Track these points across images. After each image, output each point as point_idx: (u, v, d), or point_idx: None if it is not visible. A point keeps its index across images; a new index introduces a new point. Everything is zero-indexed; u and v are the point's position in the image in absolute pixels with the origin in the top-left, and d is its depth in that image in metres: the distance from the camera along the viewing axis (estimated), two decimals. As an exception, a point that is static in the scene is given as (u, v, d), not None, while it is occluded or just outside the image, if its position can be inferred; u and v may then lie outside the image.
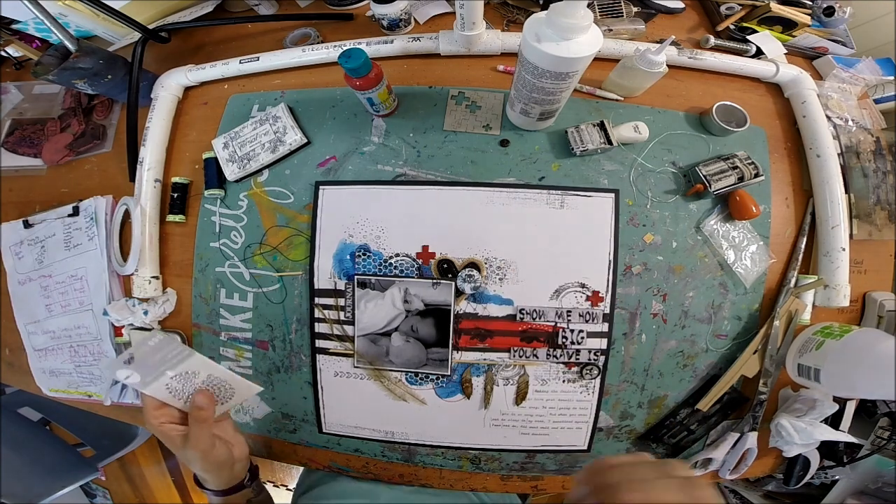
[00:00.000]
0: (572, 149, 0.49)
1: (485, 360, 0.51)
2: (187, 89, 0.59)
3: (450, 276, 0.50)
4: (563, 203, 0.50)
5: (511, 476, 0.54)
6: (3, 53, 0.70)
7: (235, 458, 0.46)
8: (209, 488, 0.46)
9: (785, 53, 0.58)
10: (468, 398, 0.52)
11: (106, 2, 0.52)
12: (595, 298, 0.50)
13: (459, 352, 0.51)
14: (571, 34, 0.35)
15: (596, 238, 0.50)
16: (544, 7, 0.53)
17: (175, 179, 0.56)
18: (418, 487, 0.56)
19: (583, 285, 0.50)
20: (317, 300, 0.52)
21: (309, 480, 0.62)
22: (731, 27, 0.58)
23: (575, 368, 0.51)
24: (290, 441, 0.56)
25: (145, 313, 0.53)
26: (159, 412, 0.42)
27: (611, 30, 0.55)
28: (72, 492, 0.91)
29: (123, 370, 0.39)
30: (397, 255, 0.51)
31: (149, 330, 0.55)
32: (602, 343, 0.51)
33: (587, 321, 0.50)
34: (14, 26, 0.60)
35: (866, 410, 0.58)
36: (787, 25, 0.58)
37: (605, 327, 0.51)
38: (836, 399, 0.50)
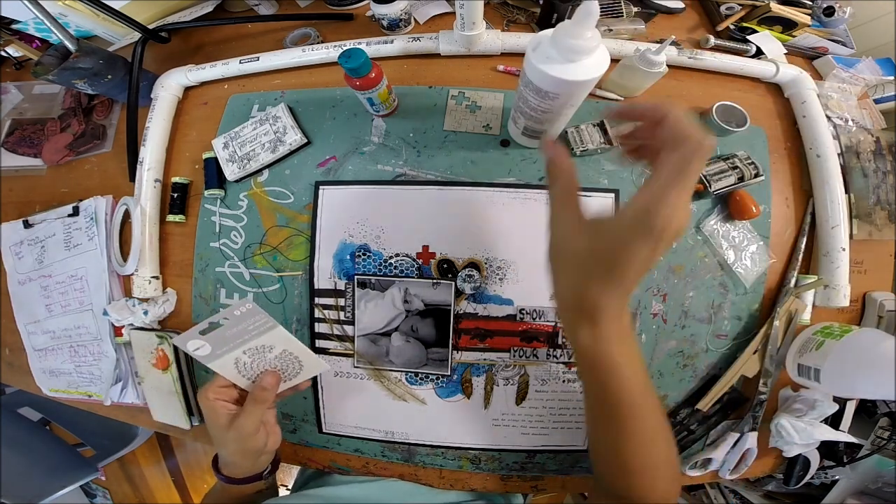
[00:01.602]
0: (572, 149, 0.49)
1: (485, 360, 0.51)
2: (187, 89, 0.59)
3: (450, 276, 0.50)
4: (563, 203, 0.50)
5: (511, 476, 0.54)
6: (3, 53, 0.70)
7: (267, 449, 0.45)
8: (227, 474, 0.45)
9: (785, 53, 0.58)
10: (468, 398, 0.52)
11: (106, 2, 0.52)
12: (595, 298, 0.50)
13: (459, 352, 0.51)
14: (577, 56, 0.33)
15: (596, 238, 0.50)
16: (544, 8, 0.53)
17: (175, 179, 0.56)
18: (414, 485, 0.56)
19: (583, 285, 0.50)
20: (317, 300, 0.52)
21: (303, 479, 0.62)
22: (731, 27, 0.58)
23: (575, 368, 0.51)
24: (290, 441, 0.56)
25: (145, 313, 0.53)
26: (222, 389, 0.42)
27: (611, 30, 0.55)
28: (72, 492, 0.91)
29: (195, 340, 0.38)
30: (397, 255, 0.51)
31: (150, 330, 0.55)
32: (602, 343, 0.51)
33: (587, 321, 0.50)
34: (14, 26, 0.60)
35: (866, 410, 0.58)
36: (787, 25, 0.58)
37: (605, 327, 0.50)
38: (836, 399, 0.50)
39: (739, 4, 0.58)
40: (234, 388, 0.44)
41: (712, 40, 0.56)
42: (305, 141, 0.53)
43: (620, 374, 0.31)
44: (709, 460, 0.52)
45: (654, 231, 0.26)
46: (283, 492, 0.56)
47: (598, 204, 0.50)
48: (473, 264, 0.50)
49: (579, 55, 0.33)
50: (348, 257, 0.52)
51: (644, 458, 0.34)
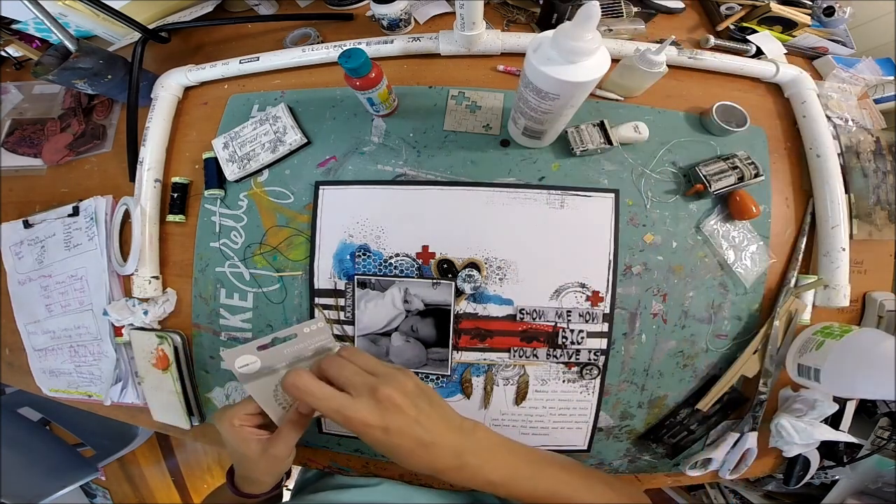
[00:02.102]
0: (572, 149, 0.49)
1: (485, 360, 0.51)
2: (187, 89, 0.59)
3: (450, 276, 0.50)
4: (564, 203, 0.50)
5: (511, 476, 0.54)
6: (3, 53, 0.70)
7: (288, 465, 0.43)
8: (245, 491, 0.42)
9: (785, 53, 0.58)
10: (468, 398, 0.52)
11: (106, 2, 0.52)
12: (595, 298, 0.50)
13: (459, 352, 0.51)
14: (577, 57, 0.33)
15: (596, 238, 0.50)
16: (544, 8, 0.53)
17: (175, 179, 0.56)
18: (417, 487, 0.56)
19: (583, 285, 0.50)
20: (317, 300, 0.52)
21: (303, 480, 0.62)
22: (731, 27, 0.58)
23: (575, 368, 0.51)
24: (290, 441, 0.56)
25: (145, 313, 0.53)
26: (248, 416, 0.38)
27: (611, 30, 0.55)
28: (72, 492, 0.92)
29: (248, 356, 0.35)
30: (397, 255, 0.51)
31: (150, 330, 0.55)
32: (602, 343, 0.51)
33: (587, 321, 0.50)
34: (14, 26, 0.60)
35: (866, 410, 0.58)
36: (787, 25, 0.58)
37: (605, 327, 0.51)
38: (836, 399, 0.50)
39: (739, 4, 0.58)
40: (260, 416, 0.39)
41: (712, 40, 0.56)
42: (305, 141, 0.53)
43: (515, 484, 0.36)
44: (709, 460, 0.52)
45: (361, 433, 0.32)
46: (283, 492, 0.56)
47: (598, 204, 0.50)
48: (473, 264, 0.50)
49: (580, 56, 0.33)
50: (348, 257, 0.52)
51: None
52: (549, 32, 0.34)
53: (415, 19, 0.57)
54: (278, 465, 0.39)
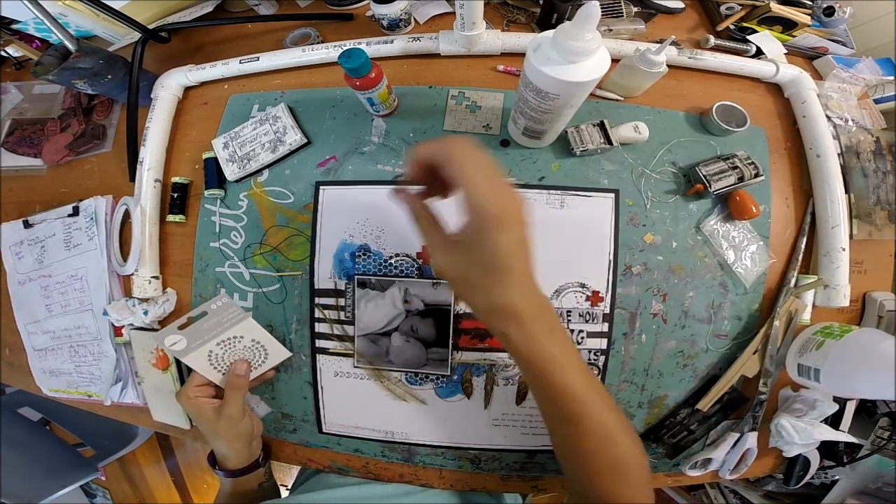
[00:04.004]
0: (572, 149, 0.49)
1: (485, 359, 0.51)
2: (187, 89, 0.59)
3: (450, 276, 0.50)
4: (564, 203, 0.50)
5: (511, 476, 0.54)
6: (3, 53, 0.70)
7: (255, 433, 0.51)
8: (227, 468, 0.49)
9: (785, 53, 0.58)
10: (469, 398, 0.52)
11: (106, 2, 0.52)
12: (595, 298, 0.50)
13: (460, 352, 0.51)
14: (577, 57, 0.33)
15: (596, 238, 0.50)
16: (544, 8, 0.53)
17: (175, 179, 0.55)
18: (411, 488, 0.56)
19: (583, 285, 0.50)
20: (317, 300, 0.52)
21: (302, 478, 0.62)
22: (731, 27, 0.58)
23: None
24: (290, 441, 0.56)
25: (145, 313, 0.53)
26: (199, 388, 0.46)
27: (611, 30, 0.55)
28: (72, 492, 0.92)
29: (173, 335, 0.41)
30: (397, 254, 0.51)
31: (152, 330, 0.55)
32: (602, 343, 0.51)
33: (587, 321, 0.50)
34: (14, 26, 0.60)
35: (866, 410, 0.58)
36: (787, 25, 0.58)
37: (605, 327, 0.51)
38: (836, 399, 0.50)
39: (739, 4, 0.58)
40: (210, 386, 0.48)
41: (712, 40, 0.56)
42: (305, 141, 0.53)
43: (558, 365, 0.32)
44: (709, 460, 0.52)
45: (493, 219, 0.28)
46: (283, 491, 0.56)
47: (598, 204, 0.50)
48: (473, 264, 0.50)
49: (580, 56, 0.33)
50: (348, 257, 0.52)
51: (605, 458, 0.34)
52: (550, 32, 0.34)
53: (415, 19, 0.57)
54: (235, 424, 0.46)
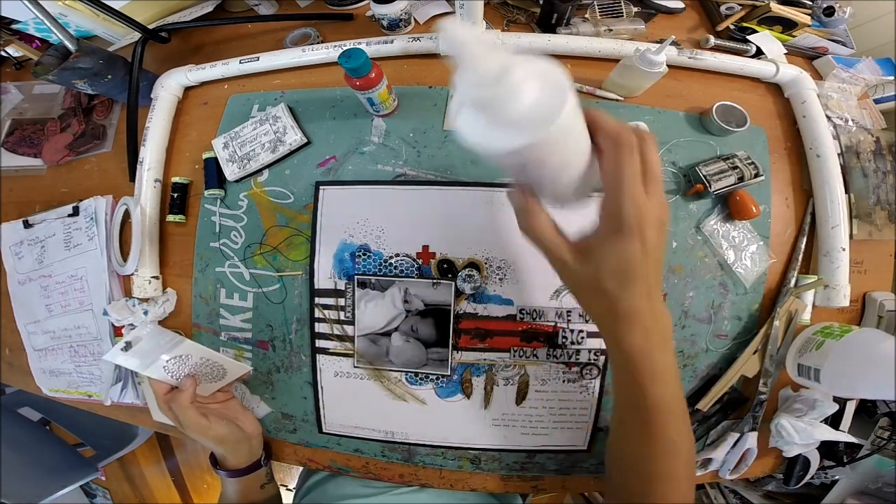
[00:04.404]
0: (572, 149, 0.49)
1: (485, 360, 0.51)
2: (187, 89, 0.59)
3: (450, 276, 0.50)
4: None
5: (511, 476, 0.54)
6: (3, 53, 0.70)
7: (249, 434, 0.51)
8: (228, 467, 0.50)
9: (785, 53, 0.58)
10: (468, 398, 0.52)
11: (106, 2, 0.52)
12: (595, 298, 0.50)
13: (459, 352, 0.51)
14: (506, 105, 0.22)
15: (596, 238, 0.50)
16: (544, 8, 0.53)
17: (175, 179, 0.55)
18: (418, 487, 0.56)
19: (583, 285, 0.50)
20: (317, 300, 0.52)
21: (309, 481, 0.62)
22: (731, 27, 0.58)
23: (575, 368, 0.51)
24: (290, 441, 0.56)
25: (145, 313, 0.53)
26: (168, 396, 0.47)
27: (611, 30, 0.55)
28: (72, 492, 0.91)
29: (122, 356, 0.43)
30: (397, 255, 0.51)
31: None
32: (602, 343, 0.51)
33: (587, 321, 0.50)
34: (14, 26, 0.60)
35: (866, 410, 0.58)
36: (787, 25, 0.58)
37: (605, 327, 0.50)
38: (836, 399, 0.50)
39: (739, 4, 0.58)
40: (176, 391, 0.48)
41: (712, 40, 0.56)
42: (305, 141, 0.53)
43: (659, 375, 0.32)
44: (709, 460, 0.52)
45: (631, 229, 0.27)
46: (283, 492, 0.56)
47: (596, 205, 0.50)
48: (473, 264, 0.50)
49: (509, 102, 0.22)
50: (348, 257, 0.52)
51: (666, 466, 0.35)
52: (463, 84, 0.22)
53: (415, 19, 0.57)
54: (205, 432, 0.47)
